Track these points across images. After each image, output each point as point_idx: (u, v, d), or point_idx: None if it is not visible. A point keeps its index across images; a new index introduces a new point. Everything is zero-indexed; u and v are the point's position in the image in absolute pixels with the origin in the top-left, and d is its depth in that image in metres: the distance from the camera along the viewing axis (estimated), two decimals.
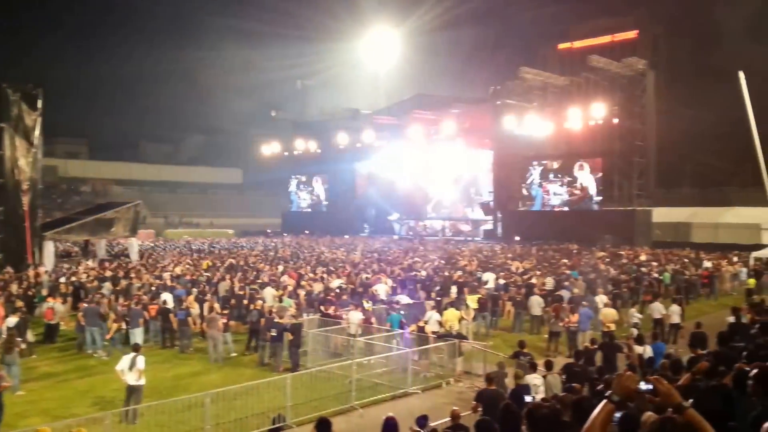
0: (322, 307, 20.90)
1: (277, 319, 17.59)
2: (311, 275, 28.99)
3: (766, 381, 4.13)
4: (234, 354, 18.97)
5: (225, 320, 19.00)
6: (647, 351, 14.47)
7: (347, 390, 14.32)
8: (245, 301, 22.00)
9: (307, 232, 68.70)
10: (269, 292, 22.79)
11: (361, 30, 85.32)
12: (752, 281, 29.13)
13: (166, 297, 21.52)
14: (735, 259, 36.01)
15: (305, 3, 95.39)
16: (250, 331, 19.36)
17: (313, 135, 71.19)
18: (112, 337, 18.88)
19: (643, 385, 3.32)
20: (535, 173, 56.17)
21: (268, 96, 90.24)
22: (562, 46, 60.72)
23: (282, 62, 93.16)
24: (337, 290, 24.06)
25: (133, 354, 13.45)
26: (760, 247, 38.72)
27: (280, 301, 21.18)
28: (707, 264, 33.54)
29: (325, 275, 28.88)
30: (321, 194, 76.89)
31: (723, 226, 49.60)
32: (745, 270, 32.42)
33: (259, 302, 20.28)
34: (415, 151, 66.72)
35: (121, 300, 22.15)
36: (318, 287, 25.09)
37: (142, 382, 13.34)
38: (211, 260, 37.13)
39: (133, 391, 13.22)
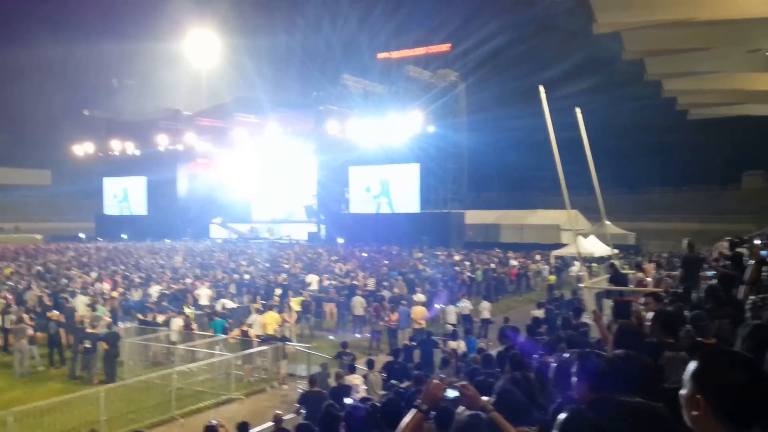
0: (140, 315, 20.06)
1: (89, 329, 16.63)
2: (128, 281, 27.67)
3: (563, 374, 4.45)
4: (42, 368, 17.69)
5: (32, 332, 17.64)
6: (461, 346, 15.44)
7: (167, 400, 13.90)
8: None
9: (124, 236, 65.24)
10: (81, 301, 21.44)
11: (182, 30, 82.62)
12: (553, 278, 31.82)
13: None
14: (538, 257, 39.09)
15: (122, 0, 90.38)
16: (50, 343, 18.06)
17: (131, 135, 67.71)
18: None
19: (451, 393, 3.52)
20: (357, 178, 57.46)
21: (81, 94, 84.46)
22: (381, 55, 62.64)
23: (97, 59, 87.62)
24: (157, 297, 23.19)
25: None
26: (559, 246, 42.36)
27: (93, 309, 20.00)
28: (514, 262, 36.15)
29: (143, 281, 27.69)
30: (140, 197, 73.29)
31: (527, 227, 53.63)
32: (547, 267, 35.35)
33: (55, 312, 18.87)
34: (239, 154, 65.77)
35: None
36: (136, 294, 24.03)
37: None
38: (15, 267, 34.19)
39: None
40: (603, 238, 33.78)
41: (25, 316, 18.44)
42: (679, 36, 21.29)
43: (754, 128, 48.76)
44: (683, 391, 2.01)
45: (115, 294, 23.23)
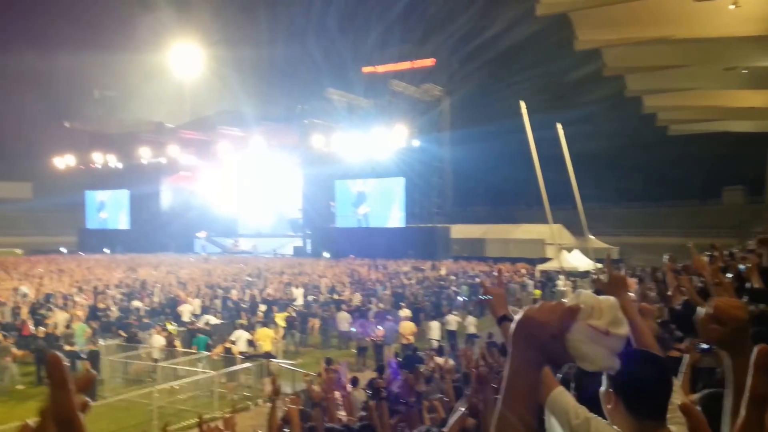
0: (121, 331, 19.85)
1: (67, 347, 16.42)
2: (111, 295, 27.32)
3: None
4: (20, 386, 17.42)
5: (15, 350, 17.45)
6: (448, 362, 15.38)
7: (148, 419, 13.70)
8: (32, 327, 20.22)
9: (106, 250, 64.62)
10: (62, 317, 21.16)
11: (165, 42, 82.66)
12: (538, 292, 31.82)
13: None
14: (523, 271, 39.12)
15: (104, 11, 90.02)
16: (38, 360, 17.84)
17: (113, 148, 67.36)
18: None
19: None
20: (343, 191, 57.47)
21: (63, 105, 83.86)
22: (366, 69, 62.78)
23: (78, 70, 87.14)
24: (139, 312, 22.99)
25: None
26: (544, 260, 42.41)
27: (68, 327, 19.71)
28: None
29: (125, 297, 27.39)
30: (122, 210, 72.76)
31: (513, 241, 53.74)
32: (531, 282, 35.35)
33: (41, 329, 18.65)
34: (223, 167, 65.60)
35: None
36: (116, 309, 23.78)
37: None
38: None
39: None
40: (586, 252, 33.93)
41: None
42: (659, 53, 21.60)
43: (733, 143, 49.37)
44: (601, 388, 2.22)
45: (79, 312, 22.86)
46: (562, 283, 30.57)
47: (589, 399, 2.83)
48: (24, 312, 22.79)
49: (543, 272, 38.04)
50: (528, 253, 48.36)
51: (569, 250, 38.00)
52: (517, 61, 66.62)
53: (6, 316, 22.68)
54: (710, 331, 1.92)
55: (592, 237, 30.87)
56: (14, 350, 17.97)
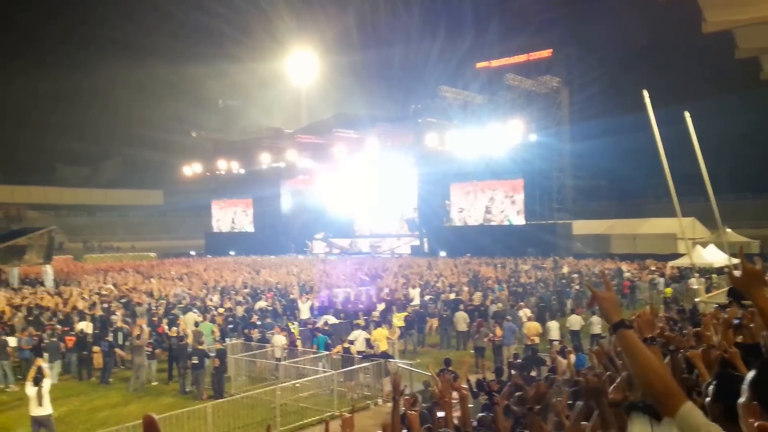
0: (246, 331, 20.37)
1: (197, 346, 16.97)
2: (235, 297, 28.24)
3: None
4: (155, 383, 18.24)
5: (149, 348, 18.31)
6: (571, 362, 14.63)
7: (272, 416, 13.94)
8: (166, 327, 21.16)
9: (232, 253, 67.29)
10: (191, 318, 21.99)
11: (282, 50, 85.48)
12: (669, 290, 29.96)
13: (84, 326, 20.41)
14: (653, 268, 37.03)
15: (225, 23, 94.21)
16: (171, 358, 18.64)
17: (236, 155, 70.11)
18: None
19: None
20: (458, 189, 56.90)
21: (189, 116, 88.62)
22: (480, 65, 61.78)
23: (203, 82, 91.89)
24: (260, 313, 23.55)
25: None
26: (676, 256, 39.98)
27: (196, 325, 20.39)
28: (627, 274, 34.42)
29: (249, 297, 28.23)
30: (246, 214, 75.66)
31: (640, 237, 51.23)
32: (662, 279, 33.31)
33: (174, 329, 19.47)
34: (339, 169, 66.61)
35: (31, 330, 20.69)
36: (240, 310, 24.49)
37: (50, 410, 12.59)
38: (134, 283, 35.77)
39: (41, 425, 12.45)
40: (721, 246, 31.66)
41: (146, 330, 19.06)
42: None
43: None
44: (741, 399, 2.09)
45: (221, 310, 23.73)
46: (695, 281, 28.61)
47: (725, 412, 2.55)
48: (159, 312, 23.97)
49: (676, 269, 35.85)
50: (657, 249, 45.79)
51: (703, 245, 35.61)
52: (640, 49, 63.68)
53: (143, 315, 23.83)
54: None
55: (729, 230, 28.65)
56: (156, 350, 18.89)
